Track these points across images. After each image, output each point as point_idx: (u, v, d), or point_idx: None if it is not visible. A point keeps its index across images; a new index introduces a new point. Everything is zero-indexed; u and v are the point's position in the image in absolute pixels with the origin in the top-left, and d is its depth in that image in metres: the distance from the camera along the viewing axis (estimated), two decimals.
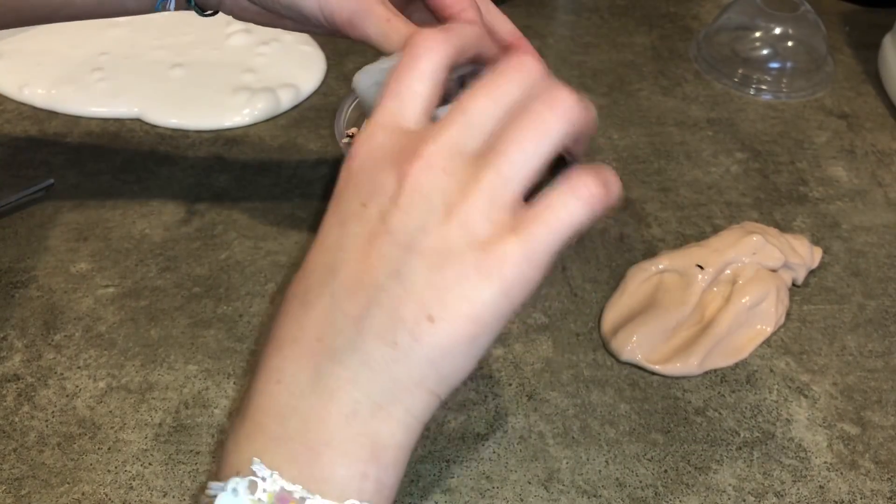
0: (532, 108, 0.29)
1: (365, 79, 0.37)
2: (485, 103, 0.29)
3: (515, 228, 0.28)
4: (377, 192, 0.29)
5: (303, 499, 0.27)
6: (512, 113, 0.29)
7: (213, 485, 0.28)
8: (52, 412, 0.46)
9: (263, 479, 0.27)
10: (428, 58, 0.31)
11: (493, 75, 0.30)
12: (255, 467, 0.27)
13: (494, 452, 0.45)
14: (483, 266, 0.27)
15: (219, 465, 0.30)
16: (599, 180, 0.28)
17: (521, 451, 0.45)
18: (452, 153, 0.28)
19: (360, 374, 0.28)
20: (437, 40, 0.31)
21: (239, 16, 0.48)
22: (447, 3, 0.42)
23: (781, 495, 0.44)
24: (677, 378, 0.49)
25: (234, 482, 0.27)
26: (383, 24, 0.40)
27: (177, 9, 0.47)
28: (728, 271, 0.52)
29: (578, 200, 0.28)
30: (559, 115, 0.29)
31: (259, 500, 0.27)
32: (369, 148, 0.30)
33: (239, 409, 0.30)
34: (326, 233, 0.30)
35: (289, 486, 0.27)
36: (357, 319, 0.28)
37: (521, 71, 0.30)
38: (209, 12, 0.48)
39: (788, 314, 0.53)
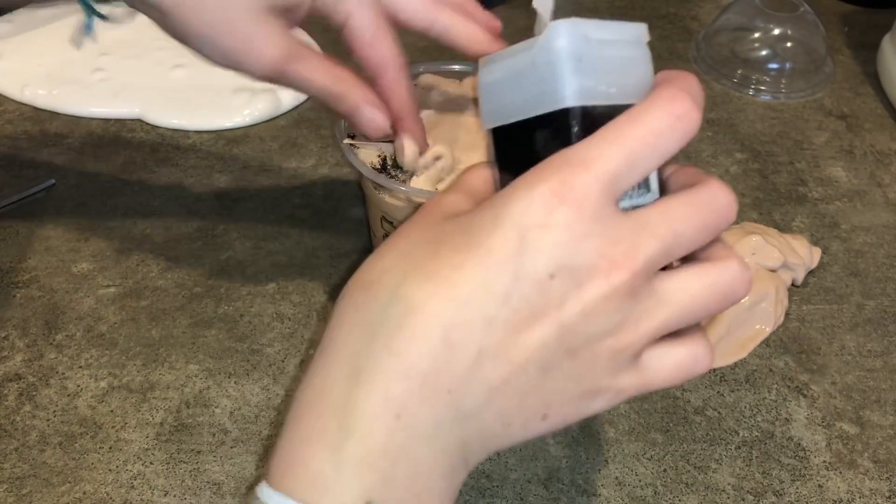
0: (722, 280, 0.28)
1: (563, 38, 0.28)
2: (692, 234, 0.28)
3: (641, 369, 0.29)
4: (571, 271, 0.26)
5: None
6: (705, 265, 0.29)
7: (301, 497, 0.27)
8: (54, 411, 0.46)
9: None
10: (679, 140, 0.28)
11: (709, 204, 0.28)
12: None
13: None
14: (606, 391, 0.28)
15: (300, 474, 0.28)
16: (709, 351, 0.30)
17: (520, 450, 0.45)
18: (649, 275, 0.27)
19: (470, 439, 0.28)
20: (697, 124, 0.28)
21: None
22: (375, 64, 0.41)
23: (780, 494, 0.44)
24: None
25: None
26: (302, 84, 0.40)
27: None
28: None
29: (695, 369, 0.29)
30: (743, 291, 0.29)
31: None
32: (583, 207, 0.26)
33: (332, 413, 0.28)
34: (497, 274, 0.27)
35: None
36: (491, 389, 0.27)
37: (728, 214, 0.29)
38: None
39: (787, 314, 0.53)
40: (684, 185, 0.29)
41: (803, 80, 0.73)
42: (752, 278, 0.29)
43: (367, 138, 0.43)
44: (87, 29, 0.44)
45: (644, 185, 0.29)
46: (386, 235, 0.46)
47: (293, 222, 0.58)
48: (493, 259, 0.27)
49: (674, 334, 0.29)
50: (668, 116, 0.27)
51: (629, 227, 0.27)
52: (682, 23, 0.82)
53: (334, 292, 0.54)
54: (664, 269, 0.28)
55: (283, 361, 0.49)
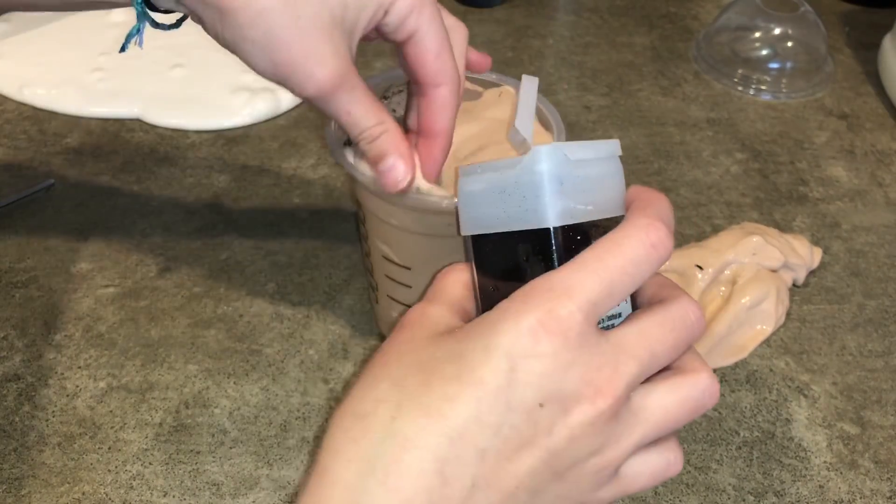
0: (695, 394, 0.30)
1: (545, 161, 0.30)
2: (667, 353, 0.30)
3: (619, 479, 0.30)
4: (558, 400, 0.28)
5: None
6: (676, 389, 0.30)
7: None
8: (53, 412, 0.46)
9: None
10: (655, 267, 0.29)
11: (682, 324, 0.30)
12: None
13: None
14: (587, 502, 0.30)
15: None
16: (679, 456, 0.31)
17: None
18: (628, 395, 0.29)
19: None
20: (670, 251, 0.29)
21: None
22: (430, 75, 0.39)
23: (781, 495, 0.44)
24: None
25: None
26: (342, 117, 0.38)
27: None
28: (727, 272, 0.52)
29: (668, 473, 0.31)
30: (712, 402, 0.31)
31: None
32: (568, 336, 0.27)
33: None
34: (489, 406, 0.27)
35: None
36: None
37: (697, 332, 0.31)
38: (170, 24, 0.44)
39: (788, 314, 0.53)
40: (654, 296, 0.31)
41: (804, 79, 0.73)
42: (718, 390, 0.31)
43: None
44: (137, 33, 0.42)
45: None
46: (388, 276, 0.46)
47: (293, 222, 0.58)
48: (485, 391, 0.27)
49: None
50: (644, 246, 0.29)
51: (610, 352, 0.28)
52: (683, 22, 0.82)
53: (334, 292, 0.53)
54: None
55: (282, 362, 0.49)
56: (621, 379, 0.28)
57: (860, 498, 0.44)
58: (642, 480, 0.31)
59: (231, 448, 0.45)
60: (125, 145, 0.64)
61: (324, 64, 0.36)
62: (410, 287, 0.45)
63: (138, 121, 0.67)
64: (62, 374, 0.48)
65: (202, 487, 0.43)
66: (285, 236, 0.57)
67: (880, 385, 0.49)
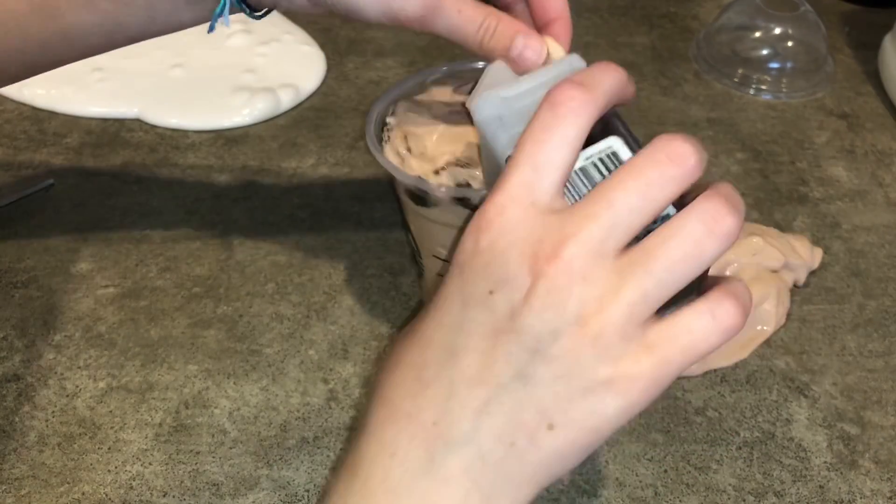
0: (690, 227, 0.27)
1: (485, 108, 0.32)
2: (636, 201, 0.27)
3: (649, 347, 0.27)
4: (507, 284, 0.27)
5: None
6: (664, 219, 0.27)
7: None
8: (53, 412, 0.46)
9: None
10: (571, 122, 0.28)
11: (645, 164, 0.27)
12: None
13: None
14: (612, 383, 0.27)
15: None
16: (741, 307, 0.27)
17: None
18: (593, 257, 0.27)
19: (473, 466, 0.27)
20: (583, 101, 0.28)
21: (290, 10, 0.44)
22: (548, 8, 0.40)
23: (781, 495, 0.44)
24: (677, 378, 0.49)
25: None
26: (455, 17, 0.37)
27: (231, 12, 0.43)
28: (728, 272, 0.52)
29: (717, 328, 0.27)
30: (719, 239, 0.27)
31: None
32: (501, 226, 0.28)
33: (346, 465, 0.30)
34: (446, 309, 0.29)
35: None
36: (476, 413, 0.27)
37: (678, 164, 0.27)
38: (261, 13, 0.44)
39: (788, 314, 0.53)
40: None
41: (804, 79, 0.73)
42: (694, 143, 0.28)
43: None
44: (223, 17, 0.42)
45: (612, 162, 0.30)
46: (439, 274, 0.46)
47: (293, 222, 0.58)
48: (444, 300, 0.29)
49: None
50: (548, 109, 0.28)
51: (558, 220, 0.27)
52: (683, 22, 0.82)
53: (334, 292, 0.53)
54: None
55: (282, 362, 0.49)
56: (570, 241, 0.27)
57: (860, 498, 0.44)
58: (679, 343, 0.27)
59: (231, 448, 0.45)
60: (125, 145, 0.64)
61: None
62: None
63: (138, 121, 0.67)
64: (62, 374, 0.48)
65: (202, 487, 0.43)
66: (285, 236, 0.57)
67: (880, 385, 0.49)
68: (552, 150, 0.28)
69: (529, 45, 0.37)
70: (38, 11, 0.42)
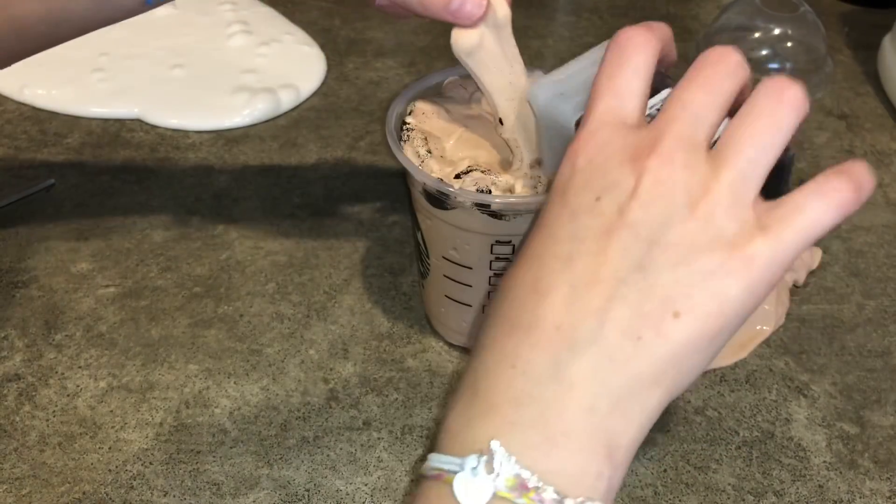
0: (760, 102, 0.29)
1: (542, 93, 0.35)
2: (703, 96, 0.29)
3: (763, 228, 0.28)
4: (612, 188, 0.28)
5: (539, 488, 0.26)
6: (735, 106, 0.29)
7: (442, 458, 0.28)
8: (53, 412, 0.46)
9: (500, 462, 0.26)
10: (640, 53, 0.30)
11: (700, 68, 0.30)
12: (494, 448, 0.27)
13: None
14: (731, 263, 0.27)
15: (440, 440, 0.29)
16: (852, 182, 0.29)
17: None
18: (689, 147, 0.28)
19: (600, 368, 0.27)
20: (646, 38, 0.31)
21: None
22: None
23: (781, 495, 0.44)
24: None
25: (473, 462, 0.27)
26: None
27: None
28: None
29: (829, 204, 0.28)
30: (789, 107, 0.29)
31: (496, 484, 0.26)
32: (596, 144, 0.29)
33: (464, 386, 0.30)
34: (557, 225, 0.29)
35: (525, 474, 0.26)
36: (599, 312, 0.27)
37: (726, 62, 0.30)
38: None
39: (788, 314, 0.53)
40: None
41: (803, 79, 0.73)
42: (798, 86, 0.29)
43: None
44: None
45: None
46: (448, 277, 0.46)
47: (293, 222, 0.58)
48: (549, 220, 0.30)
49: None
50: (613, 48, 0.31)
51: (645, 130, 0.29)
52: (683, 23, 0.82)
53: (334, 292, 0.54)
54: None
55: (282, 362, 0.49)
56: (663, 138, 0.28)
57: (860, 498, 0.44)
58: (792, 222, 0.28)
59: (231, 448, 0.45)
60: (126, 145, 0.64)
61: None
62: (471, 286, 0.46)
63: (138, 121, 0.67)
64: (63, 373, 0.48)
65: (202, 487, 0.43)
66: (285, 236, 0.57)
67: (880, 385, 0.49)
68: (628, 78, 0.30)
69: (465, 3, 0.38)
70: None
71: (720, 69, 0.29)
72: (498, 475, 0.26)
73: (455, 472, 0.27)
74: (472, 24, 0.39)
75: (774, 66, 0.74)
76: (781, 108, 0.29)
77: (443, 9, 0.38)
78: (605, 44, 0.34)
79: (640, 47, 0.30)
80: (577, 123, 0.32)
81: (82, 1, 0.43)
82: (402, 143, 0.45)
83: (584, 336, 0.27)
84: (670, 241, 0.27)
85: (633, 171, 0.28)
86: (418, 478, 0.29)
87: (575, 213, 0.29)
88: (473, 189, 0.42)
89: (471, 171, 0.43)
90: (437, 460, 0.28)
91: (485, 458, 0.27)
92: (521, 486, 0.26)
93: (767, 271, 0.27)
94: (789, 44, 0.74)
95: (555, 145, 0.37)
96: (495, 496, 0.26)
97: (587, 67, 0.34)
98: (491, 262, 0.44)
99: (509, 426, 0.27)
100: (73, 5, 0.43)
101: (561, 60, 0.76)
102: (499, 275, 0.45)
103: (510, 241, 0.43)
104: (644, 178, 0.28)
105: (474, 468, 0.27)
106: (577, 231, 0.28)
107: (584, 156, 0.29)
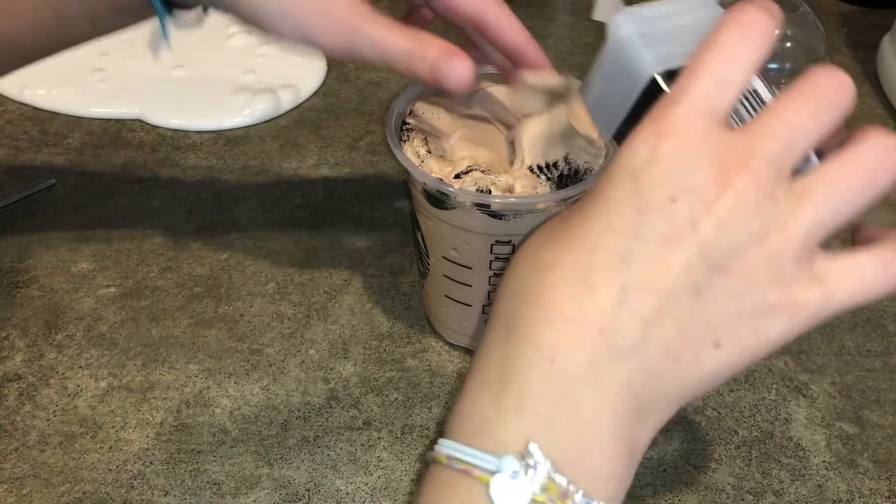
0: (865, 156, 0.27)
1: (627, 25, 0.31)
2: (807, 122, 0.27)
3: (819, 279, 0.27)
4: (691, 193, 0.26)
5: (572, 491, 0.26)
6: (835, 148, 0.28)
7: (474, 454, 0.27)
8: (54, 411, 0.46)
9: (538, 465, 0.26)
10: (757, 45, 0.28)
11: (811, 89, 0.28)
12: (532, 451, 0.26)
13: None
14: (780, 307, 0.27)
15: (459, 424, 0.28)
16: None
17: None
18: (779, 175, 0.27)
19: (635, 377, 0.27)
20: (769, 26, 0.28)
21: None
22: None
23: (780, 494, 0.44)
24: None
25: (512, 464, 0.26)
26: (376, 46, 0.37)
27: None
28: None
29: (887, 278, 0.28)
30: (890, 172, 0.28)
31: (532, 487, 0.26)
32: (686, 135, 0.27)
33: (489, 366, 0.29)
34: (621, 212, 0.27)
35: (559, 479, 0.26)
36: (645, 322, 0.27)
37: (841, 92, 0.28)
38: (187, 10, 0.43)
39: None
40: None
41: None
42: (848, 78, 0.28)
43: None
44: (164, 36, 0.42)
45: (754, 100, 0.30)
46: (448, 276, 0.46)
47: (293, 222, 0.58)
48: (613, 204, 0.27)
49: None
50: (735, 28, 0.28)
51: (739, 137, 0.27)
52: None
53: (334, 292, 0.54)
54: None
55: (282, 361, 0.49)
56: (757, 155, 0.27)
57: (859, 497, 0.44)
58: (848, 283, 0.27)
59: (232, 447, 0.45)
60: (126, 146, 0.65)
61: (339, 3, 0.37)
62: (471, 286, 0.46)
63: (139, 121, 0.67)
64: (63, 373, 0.48)
65: (203, 487, 0.43)
66: (285, 236, 0.57)
67: (879, 385, 0.49)
68: (736, 68, 0.28)
69: (452, 64, 0.37)
70: None
71: (834, 98, 0.28)
72: (533, 479, 0.26)
73: (490, 472, 0.27)
74: (462, 90, 0.38)
75: (774, 65, 0.74)
76: (883, 170, 0.28)
77: (428, 74, 0.37)
78: (611, 24, 0.32)
79: (761, 36, 0.28)
80: (651, 83, 0.29)
81: (80, 28, 0.43)
82: (402, 143, 0.45)
83: (627, 344, 0.27)
84: (734, 269, 0.27)
85: (716, 182, 0.26)
86: (430, 461, 0.29)
87: (643, 208, 0.27)
88: (473, 189, 0.42)
89: (471, 170, 0.43)
90: (465, 453, 0.27)
91: (522, 460, 0.26)
92: (558, 491, 0.26)
93: (811, 321, 0.27)
94: (789, 44, 0.75)
95: (614, 88, 0.33)
96: (532, 500, 0.26)
97: (679, 13, 0.31)
98: (491, 261, 0.44)
99: (545, 427, 0.27)
100: (73, 34, 0.44)
101: (561, 61, 0.76)
102: (499, 275, 0.45)
103: (510, 241, 0.43)
104: (727, 193, 0.26)
105: (515, 472, 0.26)
106: (642, 229, 0.27)
107: (671, 144, 0.27)
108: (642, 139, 0.27)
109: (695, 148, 0.27)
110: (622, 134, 0.31)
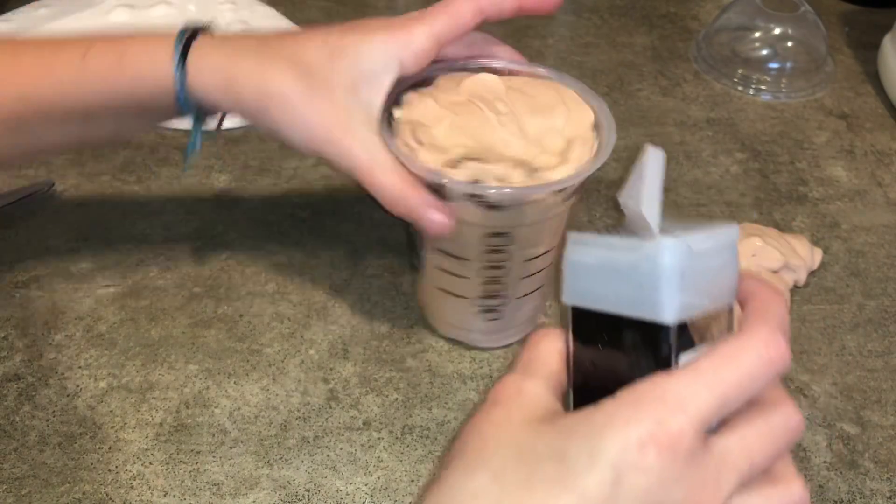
0: (775, 422, 0.30)
1: (672, 256, 0.28)
2: (765, 462, 0.29)
3: None
4: None
5: None
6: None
7: None
8: (53, 412, 0.46)
9: None
10: (773, 379, 0.29)
11: (781, 434, 0.30)
12: None
13: None
14: None
15: None
16: (803, 487, 0.30)
17: None
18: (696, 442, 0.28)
19: None
20: (788, 362, 0.29)
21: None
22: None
23: None
24: None
25: None
26: (379, 185, 0.43)
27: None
28: None
29: None
30: (792, 435, 0.30)
31: None
32: (676, 452, 0.27)
33: None
34: None
35: None
36: None
37: (796, 436, 0.30)
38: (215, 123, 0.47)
39: (788, 313, 0.53)
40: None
41: (804, 79, 0.73)
42: (808, 498, 0.30)
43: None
44: (195, 143, 0.45)
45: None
46: (442, 269, 0.46)
47: (293, 222, 0.58)
48: (587, 501, 0.27)
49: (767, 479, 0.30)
50: (762, 361, 0.28)
51: (713, 467, 0.28)
52: (683, 22, 0.82)
53: (334, 292, 0.54)
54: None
55: (282, 362, 0.49)
56: (722, 494, 0.28)
57: (860, 498, 0.44)
58: None
59: (231, 448, 0.45)
60: (126, 145, 0.64)
61: (361, 149, 0.43)
62: (465, 278, 0.46)
63: None
64: (63, 373, 0.48)
65: (202, 487, 0.43)
66: (285, 236, 0.57)
67: (880, 385, 0.49)
68: (741, 399, 0.28)
69: (433, 220, 0.42)
70: (12, 131, 0.44)
71: (789, 445, 0.30)
72: None
73: None
74: (440, 233, 0.42)
75: (774, 65, 0.74)
76: (788, 435, 0.30)
77: (412, 213, 0.42)
78: (735, 229, 0.31)
79: (776, 376, 0.29)
80: (659, 325, 0.28)
81: (104, 131, 0.47)
82: (393, 137, 0.44)
83: None
84: None
85: None
86: None
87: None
88: (467, 180, 0.41)
89: (464, 160, 0.42)
90: None
91: None
92: None
93: None
94: (789, 43, 0.75)
95: (612, 281, 0.30)
96: None
97: (717, 252, 0.30)
98: (485, 252, 0.44)
99: None
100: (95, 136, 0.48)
101: (562, 60, 0.76)
102: (493, 266, 0.45)
103: (505, 232, 0.43)
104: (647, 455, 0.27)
105: None
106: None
107: (660, 460, 0.27)
108: (636, 438, 0.27)
109: (678, 471, 0.27)
110: (587, 316, 0.31)
